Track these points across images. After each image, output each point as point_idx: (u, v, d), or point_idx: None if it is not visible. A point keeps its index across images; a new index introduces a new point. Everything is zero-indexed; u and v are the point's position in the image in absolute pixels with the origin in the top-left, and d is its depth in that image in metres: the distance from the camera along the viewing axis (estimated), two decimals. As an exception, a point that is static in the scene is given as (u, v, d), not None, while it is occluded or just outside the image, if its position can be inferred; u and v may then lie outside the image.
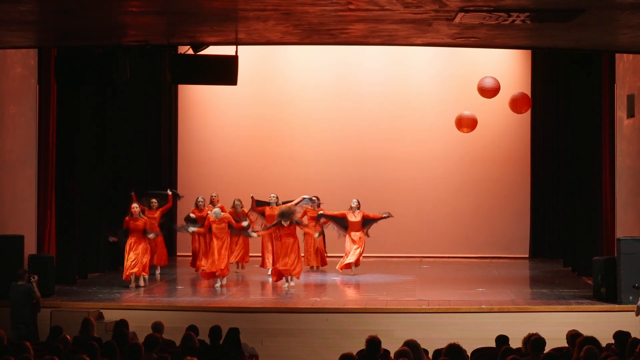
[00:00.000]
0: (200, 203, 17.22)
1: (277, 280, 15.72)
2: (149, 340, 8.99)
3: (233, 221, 16.11)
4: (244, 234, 16.57)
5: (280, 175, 20.02)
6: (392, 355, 8.63)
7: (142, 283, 15.64)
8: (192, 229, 16.36)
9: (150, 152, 19.85)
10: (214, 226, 15.76)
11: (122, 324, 10.36)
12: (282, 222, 15.53)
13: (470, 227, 20.22)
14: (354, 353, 8.11)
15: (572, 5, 9.56)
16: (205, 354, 9.20)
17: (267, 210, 16.98)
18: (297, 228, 15.89)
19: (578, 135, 17.43)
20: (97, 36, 12.03)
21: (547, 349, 8.70)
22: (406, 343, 8.17)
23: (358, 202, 17.22)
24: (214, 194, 17.43)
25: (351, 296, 15.71)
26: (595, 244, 15.93)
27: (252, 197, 17.27)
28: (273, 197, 17.06)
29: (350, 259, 17.05)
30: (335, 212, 17.27)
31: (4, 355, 8.34)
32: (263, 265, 17.18)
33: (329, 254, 17.93)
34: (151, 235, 15.96)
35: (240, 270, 17.46)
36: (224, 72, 12.47)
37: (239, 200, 17.09)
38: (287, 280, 15.61)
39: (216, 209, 16.00)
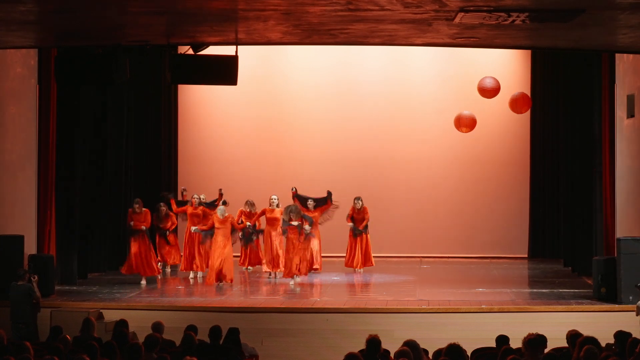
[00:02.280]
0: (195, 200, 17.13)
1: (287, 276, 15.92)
2: (149, 340, 8.99)
3: (236, 223, 16.22)
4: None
5: (281, 175, 20.01)
6: (392, 355, 8.63)
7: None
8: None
9: (150, 152, 19.84)
10: (216, 227, 15.82)
11: (122, 324, 10.36)
12: (292, 218, 15.60)
13: (470, 227, 20.22)
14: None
15: (572, 5, 9.57)
16: (205, 354, 9.20)
17: (268, 212, 16.80)
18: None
19: (578, 135, 17.42)
20: (97, 36, 12.03)
21: (547, 349, 8.70)
22: (406, 343, 8.17)
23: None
24: (202, 196, 17.25)
25: (351, 296, 15.72)
26: (595, 244, 15.92)
27: (294, 190, 17.03)
28: (275, 199, 16.81)
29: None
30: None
31: (4, 355, 8.34)
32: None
33: (326, 255, 17.89)
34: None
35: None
36: (224, 72, 12.46)
37: (251, 202, 17.04)
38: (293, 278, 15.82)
39: (222, 207, 16.04)
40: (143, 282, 15.88)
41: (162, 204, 17.08)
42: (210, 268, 15.92)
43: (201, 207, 16.86)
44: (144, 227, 16.03)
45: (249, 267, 17.45)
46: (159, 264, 17.03)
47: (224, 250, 15.72)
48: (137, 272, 15.91)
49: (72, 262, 15.77)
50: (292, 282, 15.79)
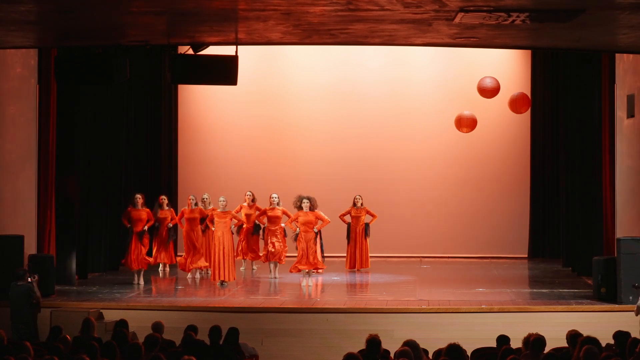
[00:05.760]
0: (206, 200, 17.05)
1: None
2: (149, 340, 9.00)
3: (238, 217, 16.31)
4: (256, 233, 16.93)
5: (281, 175, 20.03)
6: (392, 355, 8.64)
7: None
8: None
9: (150, 152, 19.83)
10: (216, 221, 15.78)
11: (122, 324, 10.36)
12: (303, 203, 15.61)
13: (470, 227, 20.23)
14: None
15: (572, 5, 9.57)
16: (204, 354, 9.20)
17: (269, 211, 16.75)
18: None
19: (578, 135, 17.43)
20: (97, 36, 12.03)
21: (547, 349, 8.71)
22: (406, 343, 8.17)
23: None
24: (204, 195, 17.16)
25: (351, 296, 15.72)
26: (595, 244, 15.92)
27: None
28: (275, 197, 16.65)
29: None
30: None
31: (4, 355, 8.34)
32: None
33: (326, 255, 17.83)
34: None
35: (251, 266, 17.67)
36: (224, 72, 12.46)
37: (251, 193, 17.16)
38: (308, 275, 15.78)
39: (222, 199, 15.99)
40: (141, 282, 15.86)
41: (164, 196, 17.12)
42: (212, 267, 15.88)
43: (198, 209, 16.69)
44: (145, 228, 16.02)
45: (245, 260, 17.49)
46: (160, 265, 17.12)
47: (224, 248, 15.70)
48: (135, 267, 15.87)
49: (72, 262, 15.77)
50: (304, 283, 15.81)
